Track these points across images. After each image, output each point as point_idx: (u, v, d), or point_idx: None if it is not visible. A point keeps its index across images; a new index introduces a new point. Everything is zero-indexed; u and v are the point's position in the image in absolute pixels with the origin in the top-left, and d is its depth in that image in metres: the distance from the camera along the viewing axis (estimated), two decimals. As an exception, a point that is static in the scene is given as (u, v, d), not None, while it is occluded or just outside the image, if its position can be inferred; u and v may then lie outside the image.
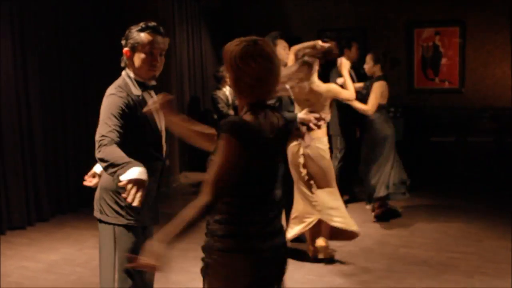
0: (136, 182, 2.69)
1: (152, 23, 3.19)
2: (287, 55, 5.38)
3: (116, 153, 2.82)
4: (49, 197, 7.04)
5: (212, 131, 2.70)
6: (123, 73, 3.21)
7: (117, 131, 2.93)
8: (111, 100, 3.04)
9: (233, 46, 2.47)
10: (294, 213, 5.29)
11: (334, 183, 5.27)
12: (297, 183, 5.26)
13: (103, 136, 2.89)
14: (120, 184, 2.71)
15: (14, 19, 6.51)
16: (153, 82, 3.25)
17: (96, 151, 2.87)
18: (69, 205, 7.27)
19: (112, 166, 2.79)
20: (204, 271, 2.52)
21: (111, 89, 3.10)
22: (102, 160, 2.85)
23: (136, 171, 2.72)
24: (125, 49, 3.16)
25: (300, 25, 10.07)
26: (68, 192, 7.31)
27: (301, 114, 4.59)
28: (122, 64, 3.23)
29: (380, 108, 6.49)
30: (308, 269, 5.15)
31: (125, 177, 2.71)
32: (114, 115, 2.97)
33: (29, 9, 6.69)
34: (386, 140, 6.55)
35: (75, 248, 5.89)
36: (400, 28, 9.86)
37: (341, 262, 5.29)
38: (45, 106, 6.96)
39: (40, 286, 4.95)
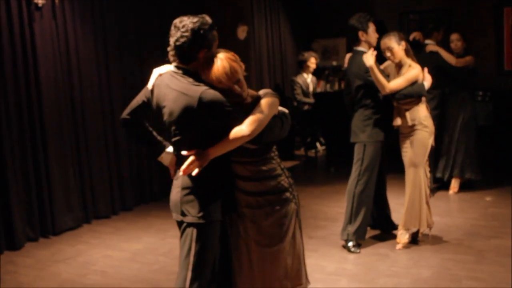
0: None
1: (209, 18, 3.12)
2: (376, 39, 5.22)
3: None
4: (132, 187, 7.18)
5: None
6: (180, 71, 3.10)
7: None
8: (216, 92, 2.98)
9: (234, 62, 3.05)
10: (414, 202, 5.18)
11: None
12: (421, 166, 5.16)
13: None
14: None
15: (95, 12, 6.67)
16: None
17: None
18: (151, 194, 7.39)
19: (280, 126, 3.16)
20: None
21: (197, 88, 2.99)
22: None
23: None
24: (205, 50, 3.04)
25: (381, 8, 9.77)
26: (150, 182, 7.43)
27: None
28: (177, 60, 3.11)
29: None
30: (393, 260, 4.98)
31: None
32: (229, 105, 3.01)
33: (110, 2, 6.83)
34: None
35: (158, 237, 5.96)
36: (487, 8, 9.37)
37: (428, 254, 5.07)
38: (127, 98, 7.05)
39: (124, 274, 5.02)
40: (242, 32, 8.86)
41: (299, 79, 9.20)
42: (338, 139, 8.80)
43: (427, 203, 5.21)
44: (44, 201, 6.05)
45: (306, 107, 9.22)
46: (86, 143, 6.60)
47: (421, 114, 5.12)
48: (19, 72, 5.82)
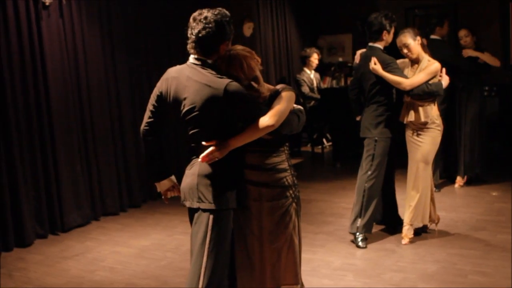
0: None
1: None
2: (391, 38, 5.32)
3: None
4: (140, 184, 7.22)
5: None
6: (200, 63, 3.17)
7: None
8: (240, 86, 3.11)
9: (250, 59, 3.17)
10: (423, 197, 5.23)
11: None
12: (431, 163, 5.26)
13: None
14: None
15: (102, 9, 6.71)
16: None
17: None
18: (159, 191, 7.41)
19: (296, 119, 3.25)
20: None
21: (222, 80, 3.08)
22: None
23: None
24: (226, 42, 3.19)
25: (386, 3, 9.75)
26: (158, 179, 7.44)
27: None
28: (198, 52, 3.16)
29: None
30: (399, 255, 5.00)
31: None
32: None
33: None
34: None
35: (165, 234, 6.00)
36: (493, 2, 9.35)
37: (434, 249, 5.09)
38: (134, 96, 7.11)
39: (132, 270, 5.07)
40: (248, 29, 8.89)
41: (303, 76, 9.20)
42: (344, 135, 8.82)
43: (432, 199, 5.27)
44: (52, 198, 6.10)
45: (312, 103, 9.24)
46: (94, 140, 6.65)
47: (434, 112, 5.15)
48: (27, 70, 5.86)
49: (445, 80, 5.14)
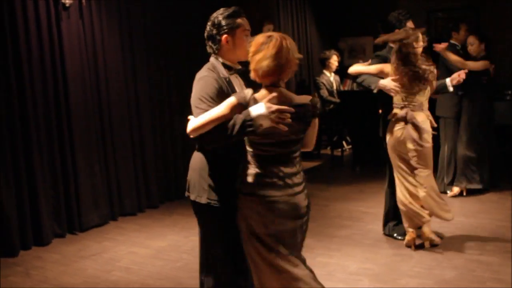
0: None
1: (237, 7, 3.30)
2: None
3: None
4: (158, 185, 7.25)
5: None
6: (212, 58, 3.29)
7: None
8: (204, 82, 3.11)
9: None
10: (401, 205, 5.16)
11: None
12: (394, 167, 5.15)
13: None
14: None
15: (122, 11, 6.75)
16: (239, 66, 3.34)
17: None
18: (177, 192, 7.43)
19: (225, 130, 2.91)
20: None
21: (202, 72, 3.19)
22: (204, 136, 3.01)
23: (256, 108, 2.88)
24: (225, 36, 3.22)
25: (408, 6, 9.65)
26: (176, 180, 7.47)
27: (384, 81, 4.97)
28: (210, 50, 3.29)
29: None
30: (416, 261, 4.94)
31: (254, 113, 2.87)
32: (206, 97, 3.04)
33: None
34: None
35: (182, 235, 6.01)
36: (516, 6, 9.24)
37: (452, 255, 5.03)
38: (153, 97, 7.15)
39: (147, 271, 5.08)
40: (267, 32, 8.86)
41: (322, 79, 9.17)
42: (364, 138, 8.76)
43: (414, 202, 5.10)
44: (71, 198, 6.15)
45: (331, 106, 9.20)
46: (112, 140, 6.68)
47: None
48: (47, 71, 5.92)
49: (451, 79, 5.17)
